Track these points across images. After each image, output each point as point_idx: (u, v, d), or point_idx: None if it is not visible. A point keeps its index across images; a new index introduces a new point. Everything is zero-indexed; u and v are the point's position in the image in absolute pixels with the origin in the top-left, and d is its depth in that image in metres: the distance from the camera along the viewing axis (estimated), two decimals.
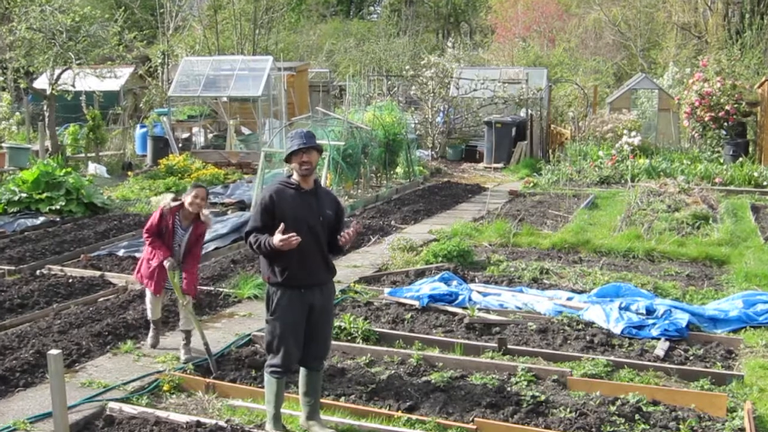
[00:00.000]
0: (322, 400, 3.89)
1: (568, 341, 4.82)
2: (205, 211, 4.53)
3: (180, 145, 13.66)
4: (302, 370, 3.58)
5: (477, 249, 7.31)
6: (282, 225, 3.27)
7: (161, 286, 4.51)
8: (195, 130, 14.74)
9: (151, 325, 4.71)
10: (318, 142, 3.52)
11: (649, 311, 5.09)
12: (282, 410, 3.79)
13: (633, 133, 13.25)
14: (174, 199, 4.48)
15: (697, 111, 13.06)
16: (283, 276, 3.37)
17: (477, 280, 6.16)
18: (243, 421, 3.70)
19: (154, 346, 4.68)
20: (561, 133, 15.17)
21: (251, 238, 3.39)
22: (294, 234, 3.25)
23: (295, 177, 3.44)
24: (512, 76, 15.31)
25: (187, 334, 4.58)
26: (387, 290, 5.80)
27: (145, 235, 4.47)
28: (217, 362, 4.45)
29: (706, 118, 12.97)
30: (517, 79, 15.04)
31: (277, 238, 3.24)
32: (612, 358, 4.46)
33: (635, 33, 22.53)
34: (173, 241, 4.44)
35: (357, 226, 3.52)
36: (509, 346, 4.64)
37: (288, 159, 3.43)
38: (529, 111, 14.75)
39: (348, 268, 6.54)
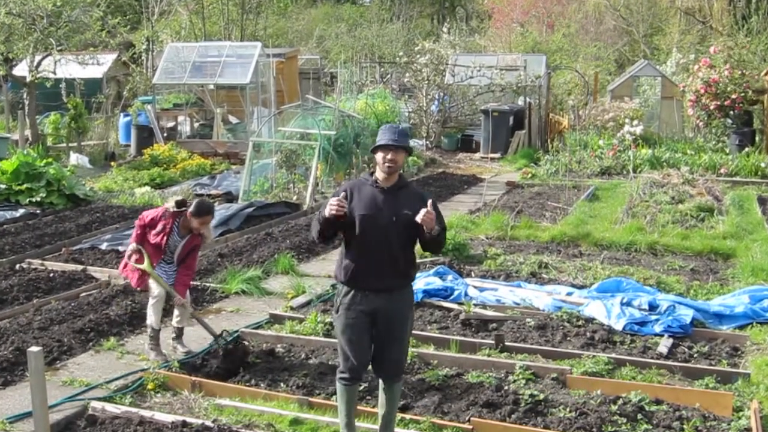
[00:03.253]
0: (311, 399, 3.79)
1: (568, 338, 4.75)
2: (211, 228, 4.53)
3: (165, 134, 13.46)
4: (379, 381, 3.40)
5: (473, 242, 7.20)
6: (343, 193, 3.17)
7: (143, 280, 4.38)
8: (180, 118, 14.51)
9: (150, 335, 4.40)
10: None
11: (652, 307, 5.03)
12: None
13: (635, 122, 13.04)
14: (179, 204, 4.37)
15: (702, 99, 12.83)
16: (347, 276, 3.21)
17: (473, 275, 6.06)
18: (230, 421, 3.63)
19: (161, 359, 4.31)
20: (558, 122, 14.94)
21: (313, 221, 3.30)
22: (343, 206, 3.09)
23: (378, 173, 3.28)
24: (510, 62, 15.08)
25: (180, 331, 4.50)
26: None
27: (139, 221, 4.42)
28: (204, 359, 4.32)
29: (712, 107, 12.75)
30: (514, 66, 14.81)
31: (330, 201, 3.10)
32: (613, 355, 4.40)
33: (637, 18, 22.26)
34: (167, 245, 4.36)
35: (430, 206, 3.19)
36: (507, 344, 4.56)
37: (374, 150, 3.28)
38: (528, 99, 14.53)
39: None
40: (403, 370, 3.44)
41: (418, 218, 3.10)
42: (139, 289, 4.48)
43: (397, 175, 3.28)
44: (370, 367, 3.37)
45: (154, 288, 4.35)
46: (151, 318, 4.36)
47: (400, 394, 3.49)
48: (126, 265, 4.43)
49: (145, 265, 4.29)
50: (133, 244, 4.37)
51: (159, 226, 4.32)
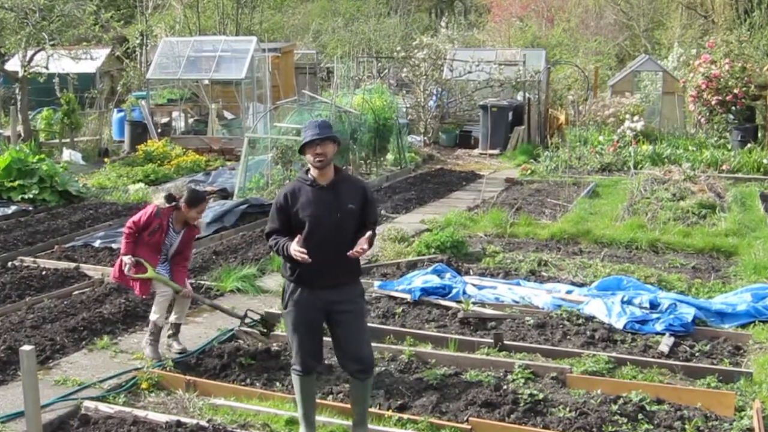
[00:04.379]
0: None
1: (568, 337, 4.70)
2: (200, 219, 4.51)
3: (159, 130, 13.36)
4: (350, 378, 3.38)
5: (472, 240, 7.16)
6: (298, 237, 3.17)
7: (147, 286, 4.30)
8: (175, 114, 14.41)
9: (151, 331, 4.30)
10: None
11: (653, 305, 4.98)
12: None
13: (636, 118, 12.97)
14: (168, 198, 4.30)
15: (703, 94, 12.74)
16: (294, 273, 3.25)
17: (472, 273, 6.01)
18: (225, 421, 3.60)
19: (156, 357, 4.26)
20: (556, 118, 14.85)
21: (271, 241, 3.32)
22: (307, 254, 3.10)
23: (312, 172, 3.27)
24: (509, 57, 14.98)
25: (177, 329, 4.45)
26: (377, 283, 5.65)
27: (128, 229, 4.27)
28: (199, 358, 4.26)
29: (713, 102, 12.66)
30: (513, 60, 14.71)
31: (294, 247, 3.14)
32: (614, 354, 4.36)
33: (638, 12, 22.13)
34: (165, 241, 4.31)
35: (370, 235, 3.24)
36: (505, 342, 4.52)
37: (302, 151, 3.27)
38: (527, 94, 14.43)
39: None
40: (373, 364, 3.38)
41: (352, 253, 3.15)
42: (145, 296, 4.39)
43: (332, 168, 3.26)
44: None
45: (161, 288, 4.29)
46: (156, 314, 4.29)
47: (371, 389, 3.44)
48: (121, 270, 4.31)
49: (148, 273, 4.22)
50: (128, 257, 4.20)
51: (155, 224, 4.24)
